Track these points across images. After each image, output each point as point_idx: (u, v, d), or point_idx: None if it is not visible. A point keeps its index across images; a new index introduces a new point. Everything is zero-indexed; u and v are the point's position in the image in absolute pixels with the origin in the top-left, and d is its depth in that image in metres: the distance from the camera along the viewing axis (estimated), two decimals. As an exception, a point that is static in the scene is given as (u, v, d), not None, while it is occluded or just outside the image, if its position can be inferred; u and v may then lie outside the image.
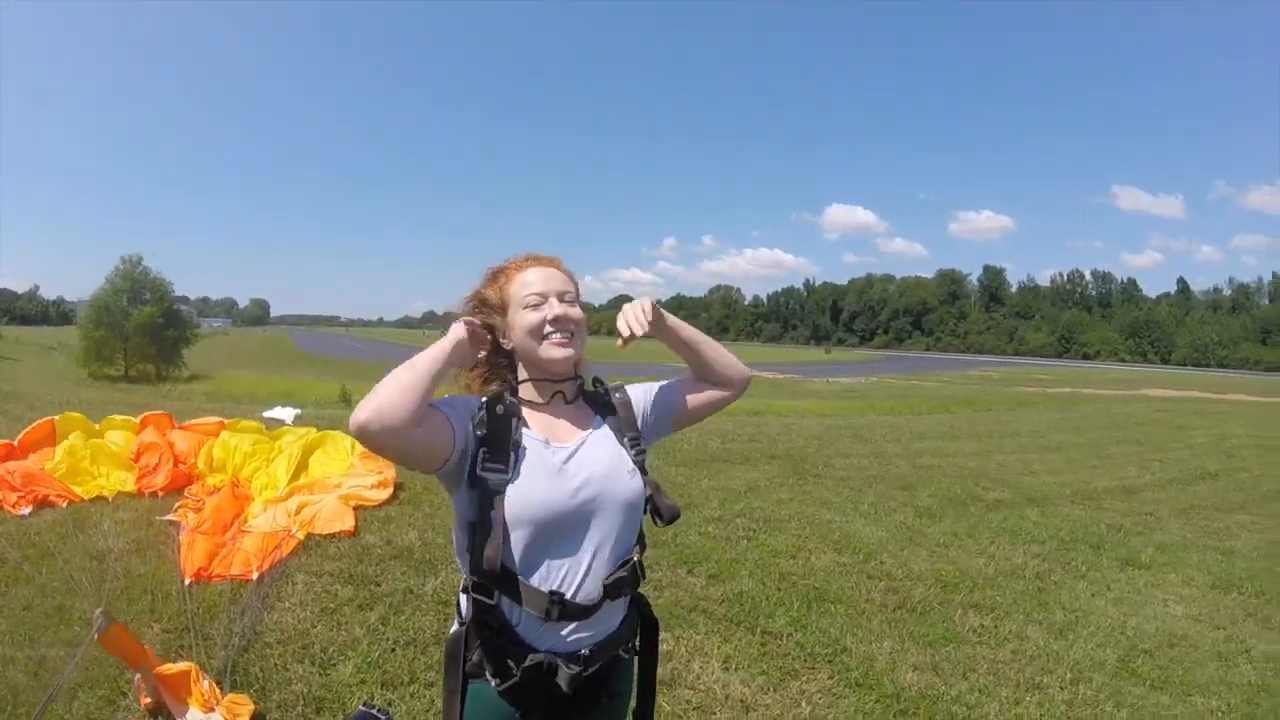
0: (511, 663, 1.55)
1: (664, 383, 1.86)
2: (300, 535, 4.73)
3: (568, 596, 1.54)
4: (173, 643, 3.49)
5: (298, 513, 4.97)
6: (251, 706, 2.91)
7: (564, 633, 1.56)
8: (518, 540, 1.52)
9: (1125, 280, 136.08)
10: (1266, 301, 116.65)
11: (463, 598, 1.63)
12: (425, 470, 1.52)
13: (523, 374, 1.71)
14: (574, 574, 1.55)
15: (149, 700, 2.93)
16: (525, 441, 1.58)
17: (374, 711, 2.80)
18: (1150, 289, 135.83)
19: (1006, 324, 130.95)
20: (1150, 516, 7.56)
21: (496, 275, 1.74)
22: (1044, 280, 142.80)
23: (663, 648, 3.67)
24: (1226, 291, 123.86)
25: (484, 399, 1.58)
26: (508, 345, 1.71)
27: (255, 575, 4.17)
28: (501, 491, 1.51)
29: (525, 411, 1.65)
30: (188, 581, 4.09)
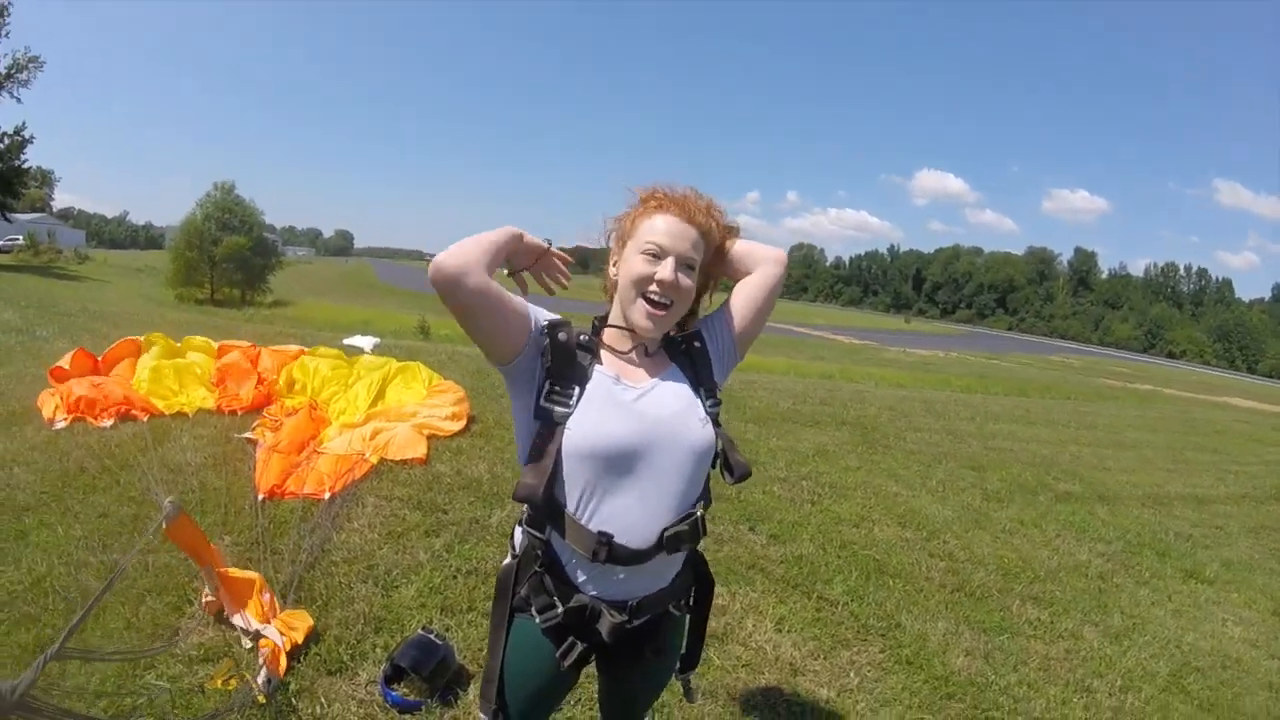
0: (557, 601, 1.54)
1: (714, 311, 1.77)
2: (373, 460, 4.87)
3: (616, 539, 1.48)
4: (242, 555, 3.61)
5: (372, 438, 5.11)
6: (308, 624, 2.98)
7: (614, 578, 1.52)
8: (572, 473, 1.47)
9: (1220, 280, 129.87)
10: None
11: (517, 530, 1.62)
12: (499, 355, 1.50)
13: (613, 314, 1.63)
14: (630, 519, 1.49)
15: (209, 598, 3.03)
16: (594, 376, 1.53)
17: (432, 636, 2.88)
18: (1244, 292, 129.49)
19: (1093, 311, 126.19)
20: (1220, 530, 7.26)
21: (642, 203, 1.63)
22: (1136, 270, 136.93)
23: (718, 602, 3.68)
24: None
25: (545, 324, 1.53)
26: (613, 275, 1.64)
27: (327, 495, 4.32)
28: (563, 423, 1.47)
29: (602, 351, 1.61)
30: (261, 497, 4.24)
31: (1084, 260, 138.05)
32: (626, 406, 1.52)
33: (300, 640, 2.89)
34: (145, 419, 5.49)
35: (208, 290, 26.34)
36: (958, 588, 4.52)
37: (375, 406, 5.92)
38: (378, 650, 2.99)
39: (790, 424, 8.47)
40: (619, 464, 1.48)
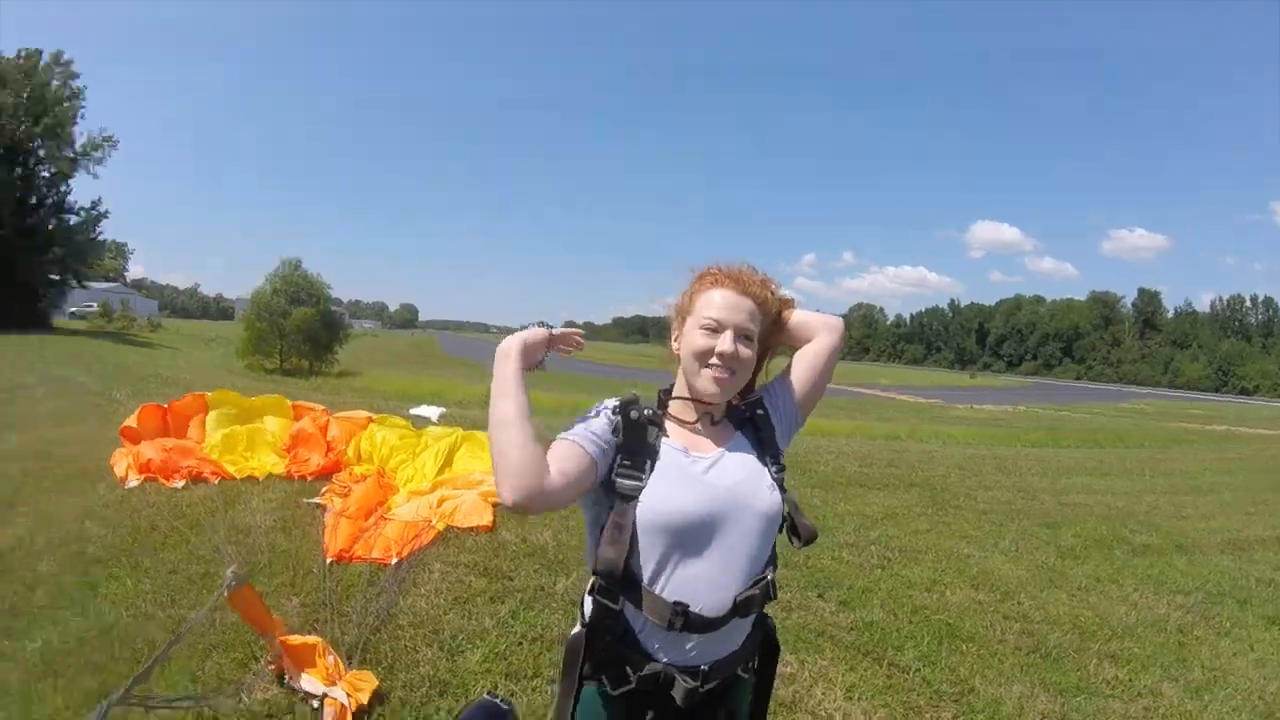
0: (629, 669, 1.54)
1: (775, 379, 1.83)
2: (440, 526, 4.94)
3: (693, 609, 1.50)
4: (309, 616, 3.71)
5: (439, 505, 5.19)
6: (373, 684, 3.04)
7: (686, 645, 1.54)
8: (647, 546, 1.51)
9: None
10: None
11: (587, 599, 1.61)
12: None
13: (678, 386, 1.72)
14: (703, 586, 1.52)
15: (273, 665, 3.11)
16: (664, 449, 1.59)
17: (498, 701, 2.89)
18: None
19: (1162, 353, 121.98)
20: (1304, 573, 6.87)
21: (698, 280, 1.73)
22: (1202, 305, 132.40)
23: (786, 670, 3.66)
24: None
25: (617, 403, 1.59)
26: (676, 350, 1.72)
27: (394, 560, 4.39)
28: (635, 497, 1.52)
29: (667, 422, 1.67)
30: (329, 561, 4.34)
31: (1148, 300, 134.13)
32: (697, 478, 1.57)
33: (365, 701, 2.94)
34: (216, 481, 5.68)
35: (277, 360, 27.12)
36: (1033, 649, 4.37)
37: (442, 475, 6.02)
38: (442, 713, 3.03)
39: (857, 487, 8.34)
40: (692, 534, 1.52)
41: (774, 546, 1.67)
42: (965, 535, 6.78)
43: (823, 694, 3.53)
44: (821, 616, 4.47)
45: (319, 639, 3.15)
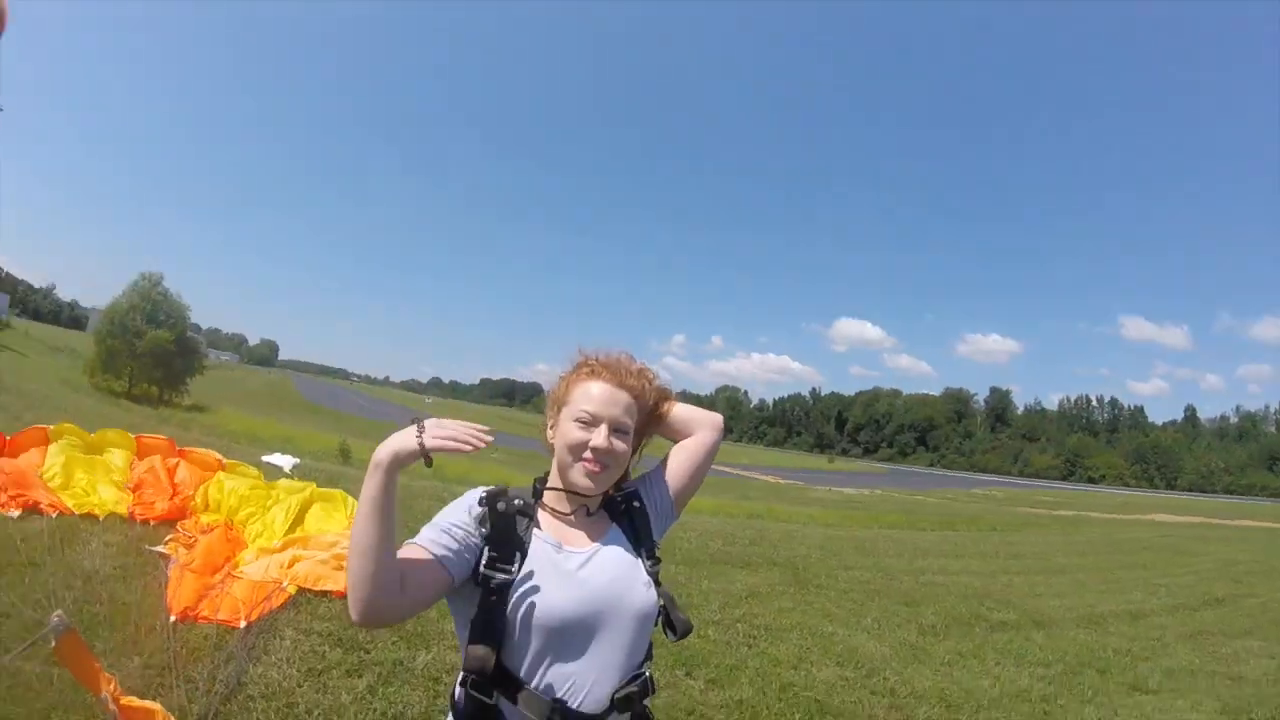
0: None
1: (652, 470, 1.83)
2: (291, 589, 4.60)
3: (571, 706, 1.48)
4: (153, 680, 3.40)
5: (290, 566, 4.84)
6: None
7: None
8: (521, 643, 1.48)
9: (1132, 407, 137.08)
10: (1273, 429, 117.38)
11: (458, 690, 1.56)
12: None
13: (553, 476, 1.68)
14: (580, 684, 1.49)
15: None
16: (535, 543, 1.56)
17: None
18: (1156, 416, 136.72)
19: (1012, 445, 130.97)
20: (1157, 642, 7.41)
21: (575, 368, 1.72)
22: (1051, 404, 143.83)
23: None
24: (1233, 419, 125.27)
25: (483, 495, 1.53)
26: (550, 440, 1.68)
27: (243, 623, 4.08)
28: (506, 593, 1.48)
29: (541, 515, 1.65)
30: (173, 619, 4.00)
31: (999, 398, 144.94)
32: (570, 575, 1.55)
33: None
34: (54, 515, 5.19)
35: (126, 384, 25.34)
36: (901, 725, 4.42)
37: (294, 533, 5.65)
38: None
39: (722, 565, 8.34)
40: (568, 634, 1.49)
41: (649, 641, 1.64)
42: (828, 613, 6.86)
43: (696, 779, 3.43)
44: (691, 695, 4.39)
45: (158, 705, 2.85)
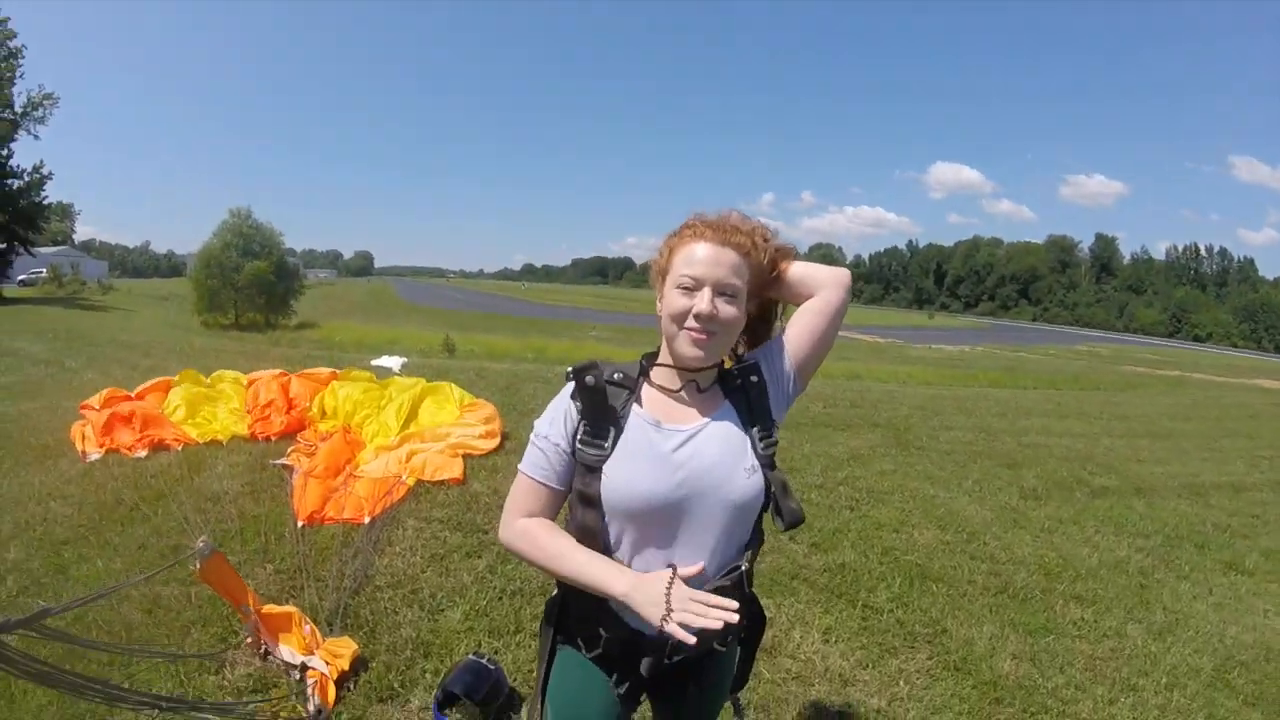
0: (602, 630, 1.52)
1: (773, 340, 1.66)
2: (410, 482, 4.89)
3: None
4: (285, 584, 3.65)
5: (408, 460, 5.13)
6: (352, 650, 2.99)
7: None
8: (612, 525, 1.46)
9: (1243, 259, 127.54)
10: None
11: None
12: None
13: (663, 354, 1.56)
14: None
15: (250, 639, 3.03)
16: (632, 419, 1.49)
17: (483, 660, 2.88)
18: (1268, 270, 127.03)
19: (1118, 298, 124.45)
20: (1257, 519, 7.12)
21: (672, 237, 1.56)
22: (1158, 253, 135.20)
23: (764, 614, 3.69)
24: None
25: (569, 370, 1.50)
26: (659, 312, 1.54)
27: (367, 519, 4.34)
28: (598, 469, 1.45)
29: (646, 390, 1.54)
30: (301, 524, 4.27)
31: (1105, 246, 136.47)
32: (664, 457, 1.45)
33: (346, 668, 2.91)
34: (179, 448, 5.55)
35: (232, 316, 26.49)
36: (1001, 590, 4.48)
37: (409, 428, 5.94)
38: (427, 676, 3.01)
39: (823, 428, 8.43)
40: (656, 520, 1.44)
41: (759, 525, 1.57)
42: (929, 476, 6.89)
43: (801, 637, 3.59)
44: (794, 559, 4.52)
45: (294, 608, 3.10)
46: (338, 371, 7.22)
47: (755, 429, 1.53)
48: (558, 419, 1.51)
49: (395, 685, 2.94)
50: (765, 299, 1.64)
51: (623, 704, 1.59)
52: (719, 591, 1.41)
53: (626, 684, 1.56)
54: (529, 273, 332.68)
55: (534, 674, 3.07)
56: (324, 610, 3.37)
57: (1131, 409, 14.64)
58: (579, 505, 1.48)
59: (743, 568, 1.50)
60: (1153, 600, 4.69)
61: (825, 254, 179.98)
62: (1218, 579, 5.29)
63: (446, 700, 2.76)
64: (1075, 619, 4.23)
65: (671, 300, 1.48)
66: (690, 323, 1.45)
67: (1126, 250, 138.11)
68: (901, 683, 3.33)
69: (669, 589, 1.34)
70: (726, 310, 1.46)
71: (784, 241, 1.61)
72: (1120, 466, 8.51)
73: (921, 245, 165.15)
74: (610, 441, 1.46)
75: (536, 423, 1.54)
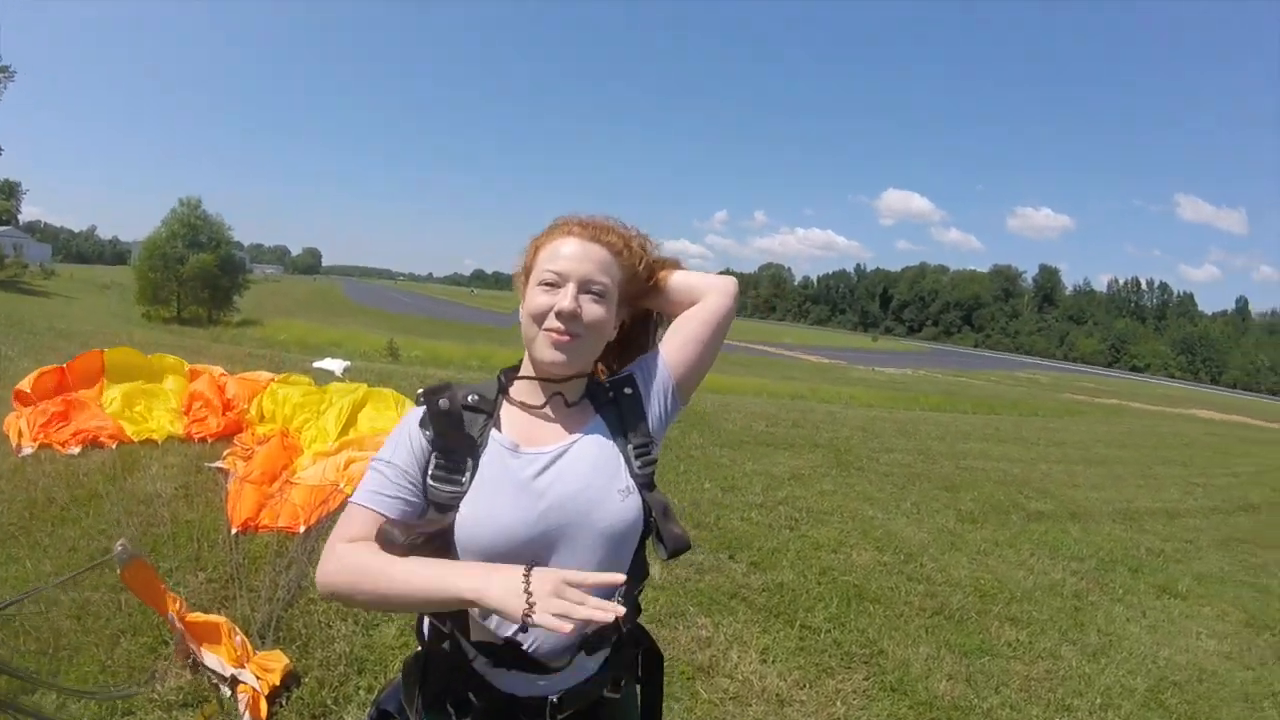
0: (472, 697, 1.28)
1: (652, 351, 1.50)
2: (348, 490, 4.76)
3: (525, 648, 1.24)
4: (217, 593, 3.54)
5: (346, 468, 5.01)
6: (284, 664, 2.89)
7: (526, 679, 1.28)
8: None
9: (1182, 293, 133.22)
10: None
11: (425, 619, 1.36)
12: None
13: (524, 365, 1.39)
14: None
15: (177, 648, 2.93)
16: (490, 446, 1.29)
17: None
18: (1207, 305, 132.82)
19: (1059, 327, 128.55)
20: (1190, 544, 7.39)
21: (538, 236, 1.41)
22: (1100, 285, 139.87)
23: (703, 634, 3.72)
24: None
25: (420, 393, 1.30)
26: (521, 318, 1.36)
27: (302, 528, 4.22)
28: (453, 508, 1.24)
29: (505, 410, 1.36)
30: (234, 531, 4.15)
31: (1048, 277, 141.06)
32: (525, 486, 1.26)
33: (277, 682, 2.81)
34: (114, 446, 5.38)
35: (175, 309, 25.87)
36: (937, 611, 4.54)
37: (347, 434, 5.83)
38: (361, 692, 2.93)
39: (765, 446, 8.49)
40: (519, 558, 1.19)
41: (641, 553, 1.37)
42: (869, 497, 6.98)
43: (738, 657, 3.59)
44: (734, 578, 4.52)
45: (224, 618, 3.00)
46: (275, 377, 7.07)
47: (630, 445, 1.36)
48: (402, 446, 1.29)
49: (328, 702, 2.86)
50: (641, 310, 1.51)
51: None
52: (596, 637, 1.28)
53: None
54: (479, 279, 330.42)
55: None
56: (256, 622, 3.27)
57: (1069, 435, 15.06)
58: (425, 550, 1.20)
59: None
60: (1087, 622, 4.80)
61: (775, 273, 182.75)
62: (1151, 602, 5.45)
63: (380, 718, 2.69)
64: (1010, 640, 4.31)
65: (532, 298, 1.31)
66: (551, 322, 1.28)
67: (1069, 281, 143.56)
68: (839, 703, 3.35)
69: (527, 577, 1.09)
70: (592, 309, 1.31)
71: (667, 254, 1.51)
72: (1056, 491, 8.73)
73: (869, 269, 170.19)
74: (468, 475, 1.25)
75: (381, 450, 1.32)
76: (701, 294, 1.49)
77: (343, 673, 3.05)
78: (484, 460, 1.27)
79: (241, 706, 2.66)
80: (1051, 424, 17.45)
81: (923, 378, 37.30)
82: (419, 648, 1.37)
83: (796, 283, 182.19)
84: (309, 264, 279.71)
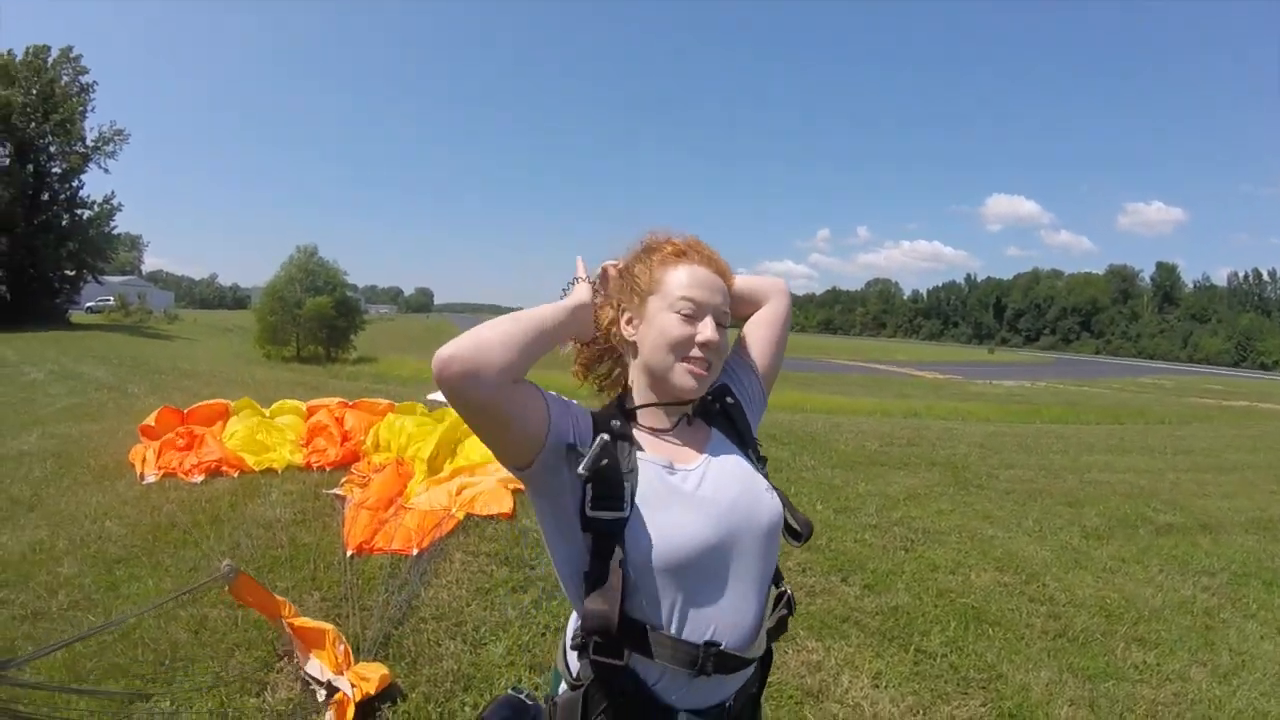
0: None
1: (729, 358, 1.55)
2: (460, 515, 4.93)
3: (724, 646, 1.26)
4: (330, 611, 3.68)
5: (458, 493, 5.18)
6: (381, 674, 2.95)
7: (709, 686, 1.28)
8: (651, 587, 1.23)
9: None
10: None
11: (572, 656, 1.33)
12: (511, 459, 1.24)
13: (640, 389, 1.41)
14: (727, 620, 1.28)
15: (285, 651, 3.11)
16: (643, 469, 1.29)
17: (522, 696, 2.86)
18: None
19: (1181, 327, 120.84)
20: (1329, 553, 6.77)
21: (651, 251, 1.43)
22: (1220, 280, 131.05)
23: (813, 658, 3.66)
24: None
25: (592, 414, 1.33)
26: (631, 336, 1.40)
27: (415, 551, 4.39)
28: (620, 533, 1.22)
29: (637, 434, 1.37)
30: (350, 553, 4.33)
31: (1166, 274, 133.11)
32: (691, 498, 1.29)
33: (373, 691, 2.89)
34: (235, 475, 5.69)
35: (294, 348, 27.17)
36: (1060, 633, 4.32)
37: (458, 461, 6.01)
38: (466, 709, 3.00)
39: (878, 466, 8.32)
40: (701, 566, 1.25)
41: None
42: (988, 515, 6.73)
43: (849, 681, 3.50)
44: (846, 601, 4.43)
45: (330, 625, 3.12)
46: (394, 404, 7.34)
47: (749, 449, 1.45)
48: (586, 421, 1.31)
49: (434, 716, 2.94)
50: None
51: None
52: (780, 621, 1.37)
53: None
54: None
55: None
56: (367, 639, 3.40)
57: (1197, 442, 14.15)
58: (596, 584, 1.21)
59: (788, 592, 1.41)
60: (1218, 641, 4.49)
61: (883, 289, 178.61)
62: (1289, 616, 5.05)
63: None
64: (1137, 662, 4.07)
65: (667, 325, 1.34)
66: (695, 353, 1.33)
67: (1188, 278, 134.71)
68: (953, 729, 3.23)
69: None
70: (723, 338, 1.38)
71: (768, 275, 1.60)
72: (1185, 502, 8.21)
73: (980, 279, 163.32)
74: (628, 500, 1.24)
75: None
76: (764, 297, 1.57)
77: (449, 689, 3.13)
78: (642, 483, 1.27)
79: (325, 705, 2.76)
80: (1178, 431, 16.44)
81: (1043, 389, 35.62)
82: (564, 688, 1.33)
83: (906, 297, 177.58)
84: (422, 303, 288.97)
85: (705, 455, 1.37)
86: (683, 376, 1.33)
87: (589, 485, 1.23)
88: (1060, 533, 6.40)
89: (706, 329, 1.34)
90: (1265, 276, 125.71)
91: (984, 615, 4.44)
